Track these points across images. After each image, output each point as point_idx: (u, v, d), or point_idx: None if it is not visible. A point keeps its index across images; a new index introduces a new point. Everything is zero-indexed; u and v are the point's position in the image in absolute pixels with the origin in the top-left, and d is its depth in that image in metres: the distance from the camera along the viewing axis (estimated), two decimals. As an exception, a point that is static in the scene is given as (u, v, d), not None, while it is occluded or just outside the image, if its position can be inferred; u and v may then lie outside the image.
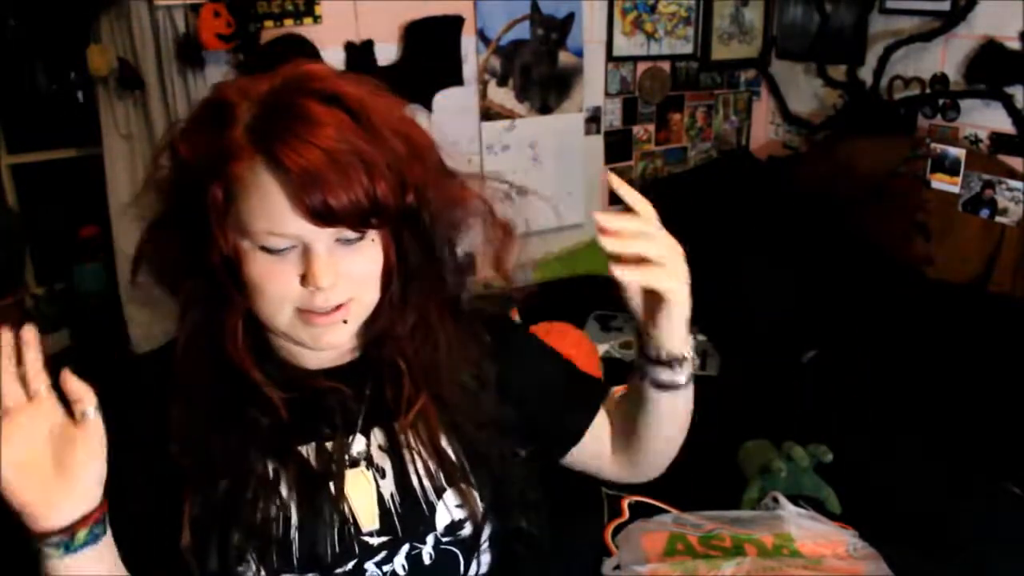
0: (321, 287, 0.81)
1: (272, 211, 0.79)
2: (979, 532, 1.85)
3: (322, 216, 0.78)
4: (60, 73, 3.04)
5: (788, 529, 1.81)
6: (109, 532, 0.78)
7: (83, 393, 0.74)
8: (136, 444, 0.86)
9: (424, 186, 0.85)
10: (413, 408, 0.92)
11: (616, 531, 1.86)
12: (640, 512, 1.93)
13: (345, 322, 0.85)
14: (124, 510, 0.80)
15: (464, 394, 0.94)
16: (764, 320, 2.78)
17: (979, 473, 2.09)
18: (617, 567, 1.74)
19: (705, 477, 2.06)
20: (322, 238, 0.80)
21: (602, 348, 2.73)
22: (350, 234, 0.82)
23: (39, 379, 0.74)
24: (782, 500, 1.90)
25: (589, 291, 3.19)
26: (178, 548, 0.84)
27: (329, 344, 0.86)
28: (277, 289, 0.82)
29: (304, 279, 0.81)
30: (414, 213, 0.85)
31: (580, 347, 2.40)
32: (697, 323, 3.38)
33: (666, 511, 1.92)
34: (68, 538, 0.74)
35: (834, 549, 1.77)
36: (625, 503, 1.95)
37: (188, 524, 0.84)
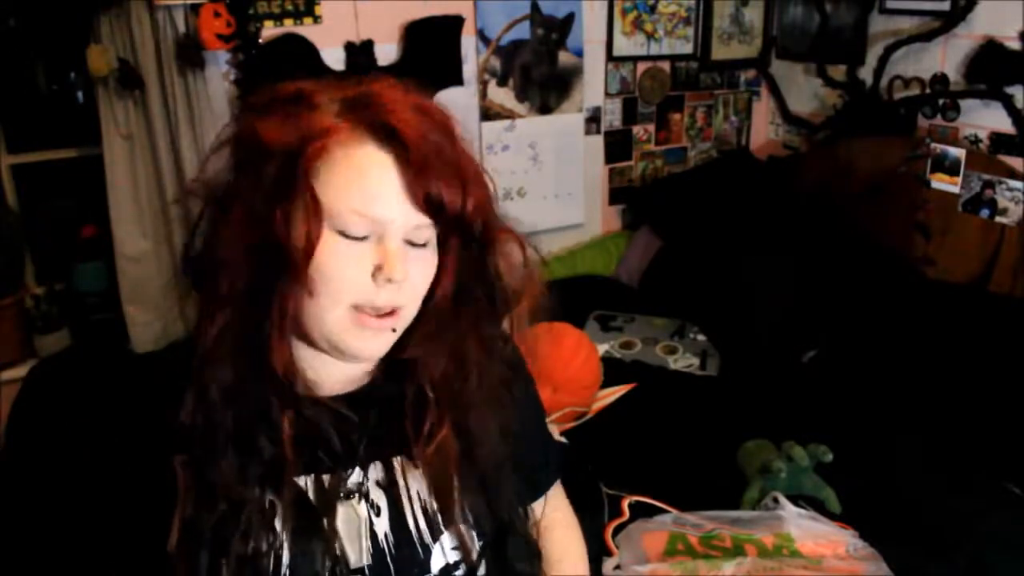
0: (395, 279, 0.80)
1: (369, 189, 0.79)
2: (979, 532, 1.85)
3: (431, 202, 0.79)
4: (60, 73, 3.04)
5: (788, 529, 1.81)
6: None
7: None
8: (138, 451, 0.85)
9: (483, 211, 0.85)
10: (435, 438, 0.89)
11: (616, 531, 1.86)
12: (640, 512, 1.92)
13: (394, 330, 0.84)
14: (119, 513, 0.79)
15: (486, 432, 0.93)
16: (764, 320, 2.78)
17: (979, 473, 2.09)
18: (617, 567, 1.74)
19: (705, 477, 2.06)
20: (399, 230, 0.81)
21: (602, 348, 2.73)
22: (419, 237, 0.82)
23: None
24: (782, 500, 1.89)
25: (589, 291, 3.19)
26: (166, 554, 0.82)
27: (371, 353, 0.85)
28: (345, 278, 0.80)
29: (378, 269, 0.80)
30: (471, 234, 0.85)
31: (580, 347, 2.40)
32: (697, 323, 3.38)
33: (666, 511, 1.92)
34: None
35: (834, 549, 1.77)
36: (625, 503, 1.95)
37: (177, 529, 0.82)
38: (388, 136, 0.78)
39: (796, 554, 1.75)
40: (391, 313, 0.83)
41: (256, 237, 0.80)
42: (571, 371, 2.33)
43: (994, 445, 2.18)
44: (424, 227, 0.82)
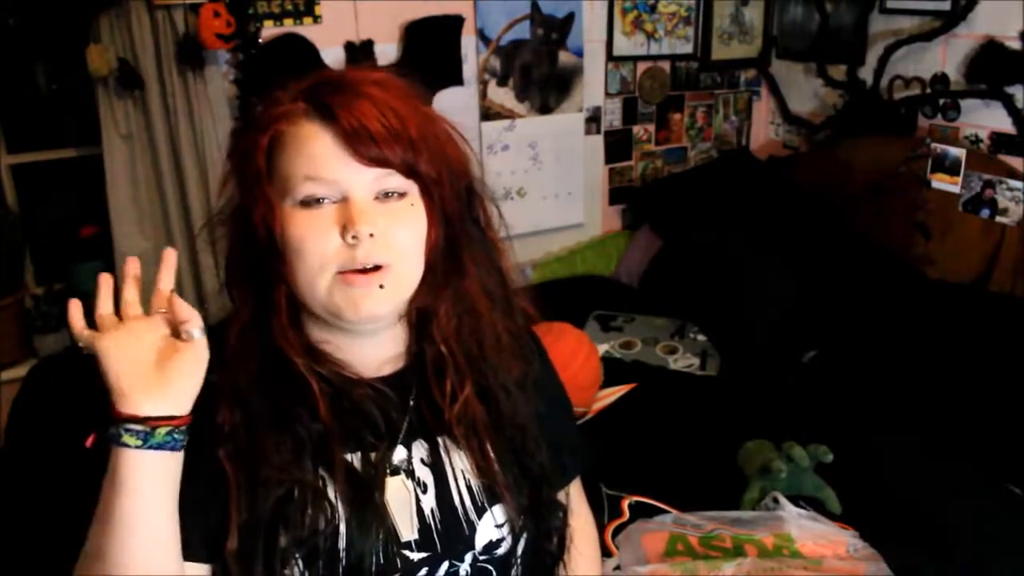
0: (359, 232, 0.82)
1: (313, 155, 0.83)
2: (979, 532, 1.85)
3: (372, 157, 0.83)
4: (60, 73, 3.04)
5: (788, 529, 1.81)
6: (181, 459, 0.78)
7: (190, 315, 0.78)
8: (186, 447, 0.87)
9: (463, 173, 0.91)
10: (459, 399, 0.92)
11: (616, 531, 1.86)
12: (640, 512, 1.92)
13: (382, 287, 0.85)
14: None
15: (507, 395, 0.95)
16: (764, 320, 2.78)
17: (979, 473, 2.09)
18: (617, 567, 1.74)
19: (705, 477, 2.06)
20: (361, 187, 0.84)
21: (602, 348, 2.73)
22: (389, 185, 0.85)
23: (160, 303, 0.80)
24: (782, 500, 1.89)
25: (589, 291, 3.19)
26: (222, 551, 0.83)
27: (369, 312, 0.86)
28: (317, 247, 0.83)
29: (344, 229, 0.83)
30: (456, 191, 0.90)
31: (580, 347, 2.40)
32: (697, 323, 3.37)
33: (666, 511, 1.92)
34: (149, 430, 0.75)
35: (834, 549, 1.77)
36: (625, 503, 1.95)
37: (236, 529, 0.83)
38: (324, 108, 0.84)
39: (796, 554, 1.75)
40: (377, 269, 0.85)
41: (245, 233, 0.88)
42: (571, 371, 2.33)
43: (994, 445, 2.18)
44: (385, 176, 0.85)
